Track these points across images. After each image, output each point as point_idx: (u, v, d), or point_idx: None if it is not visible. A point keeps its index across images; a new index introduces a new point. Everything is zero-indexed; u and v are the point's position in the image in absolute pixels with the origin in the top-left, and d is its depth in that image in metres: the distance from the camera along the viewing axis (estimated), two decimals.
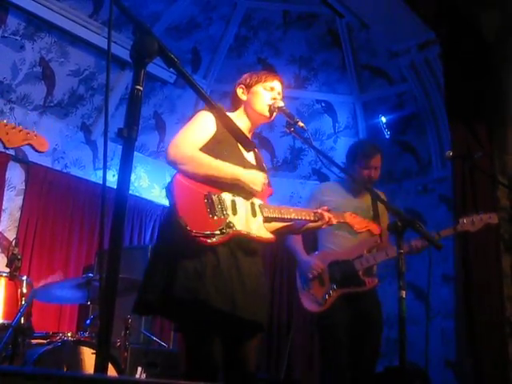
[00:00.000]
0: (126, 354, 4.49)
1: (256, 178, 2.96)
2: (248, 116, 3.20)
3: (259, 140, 7.60)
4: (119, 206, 1.42)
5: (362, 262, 4.18)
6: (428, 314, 6.43)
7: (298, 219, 3.14)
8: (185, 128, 3.00)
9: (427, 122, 7.04)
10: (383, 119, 7.18)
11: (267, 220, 3.05)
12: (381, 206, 4.34)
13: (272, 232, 3.10)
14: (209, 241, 2.74)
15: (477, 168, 5.38)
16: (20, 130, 3.12)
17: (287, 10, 7.02)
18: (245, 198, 2.97)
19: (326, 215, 3.12)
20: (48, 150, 6.30)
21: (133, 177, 6.99)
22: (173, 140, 2.95)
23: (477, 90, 6.08)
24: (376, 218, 4.39)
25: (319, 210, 3.15)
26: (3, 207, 5.85)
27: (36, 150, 3.19)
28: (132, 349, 4.63)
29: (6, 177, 5.93)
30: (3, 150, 5.91)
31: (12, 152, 6.03)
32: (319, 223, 3.14)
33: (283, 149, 7.67)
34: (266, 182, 3.02)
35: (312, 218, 3.14)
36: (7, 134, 3.01)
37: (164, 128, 7.32)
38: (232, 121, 2.05)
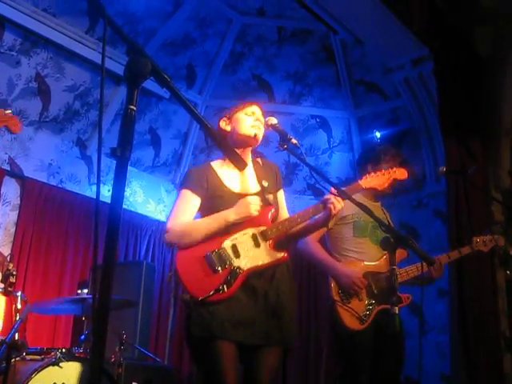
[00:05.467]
0: (120, 369, 4.48)
1: (245, 207, 3.02)
2: (235, 144, 3.27)
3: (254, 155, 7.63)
4: (113, 226, 1.43)
5: (397, 275, 3.98)
6: (421, 328, 6.43)
7: (306, 220, 3.16)
8: (173, 210, 3.18)
9: (421, 137, 7.07)
10: (378, 134, 7.20)
11: (277, 239, 3.10)
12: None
13: (290, 239, 3.25)
14: (216, 297, 2.92)
15: (470, 183, 5.42)
16: None
17: (282, 27, 7.06)
18: (245, 234, 3.07)
19: (332, 197, 3.08)
20: (43, 165, 6.34)
21: (128, 192, 6.99)
22: (166, 223, 3.14)
23: (470, 105, 6.13)
24: None
25: (325, 196, 3.13)
26: None
27: (10, 132, 2.89)
28: (127, 364, 4.61)
29: (1, 192, 5.92)
30: None
31: (7, 167, 6.04)
32: (328, 211, 3.10)
33: (278, 164, 7.66)
34: (258, 202, 3.05)
35: (320, 210, 3.14)
36: None
37: (159, 143, 7.34)
38: (224, 140, 2.08)
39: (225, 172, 3.27)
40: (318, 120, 7.68)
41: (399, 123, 7.28)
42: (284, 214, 3.36)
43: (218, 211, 3.09)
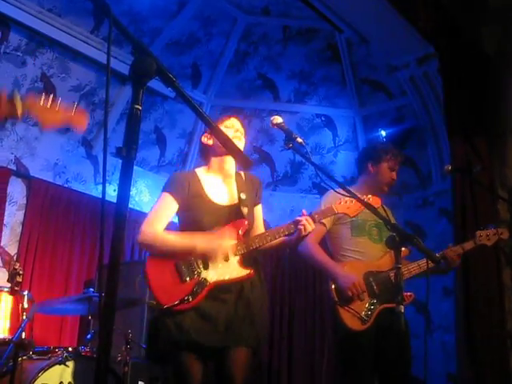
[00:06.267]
0: (126, 368, 4.49)
1: (214, 250, 3.10)
2: (218, 157, 3.42)
3: (260, 154, 7.63)
4: (119, 225, 1.44)
5: None
6: (427, 327, 6.42)
7: (276, 239, 3.23)
8: (150, 212, 3.37)
9: (427, 136, 7.06)
10: (383, 133, 7.18)
11: (246, 255, 3.19)
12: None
13: (266, 251, 3.34)
14: (182, 307, 3.02)
15: (476, 181, 5.40)
16: (57, 108, 2.68)
17: (287, 25, 7.06)
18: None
19: (303, 218, 3.16)
20: (49, 165, 6.36)
21: (134, 191, 7.00)
22: (142, 225, 3.31)
23: (476, 104, 6.10)
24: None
25: (297, 218, 3.20)
26: (4, 222, 5.86)
27: (74, 130, 2.83)
28: (133, 363, 4.62)
29: (8, 191, 5.94)
30: (5, 165, 5.95)
31: (14, 167, 6.06)
32: (299, 232, 3.18)
33: (283, 163, 7.69)
34: (227, 252, 3.13)
35: (291, 231, 3.21)
36: (44, 113, 2.64)
37: (165, 143, 7.35)
38: (229, 138, 2.10)
39: (208, 179, 3.40)
40: (323, 119, 7.68)
41: (404, 122, 7.27)
42: (259, 227, 3.46)
43: (194, 221, 3.23)
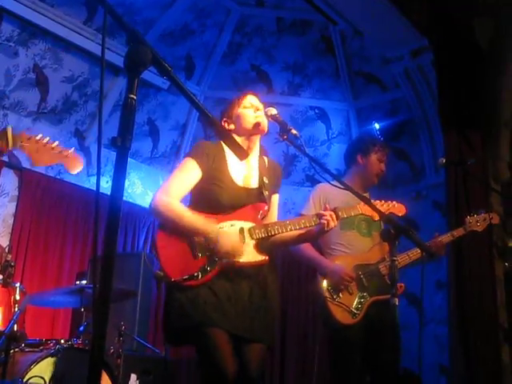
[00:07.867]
0: (119, 360, 4.48)
1: (224, 244, 2.92)
2: (241, 137, 3.23)
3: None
4: (113, 216, 1.42)
5: (387, 266, 3.86)
6: (421, 320, 6.43)
7: (296, 228, 3.12)
8: (169, 178, 3.12)
9: (420, 129, 7.05)
10: (376, 126, 7.17)
11: (263, 240, 3.05)
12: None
13: (279, 244, 3.25)
14: (191, 283, 2.86)
15: (470, 174, 5.40)
16: (52, 148, 2.76)
17: (281, 17, 7.04)
18: (232, 225, 3.00)
19: (328, 213, 3.07)
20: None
21: (126, 183, 6.97)
22: (157, 191, 3.06)
23: (470, 97, 6.10)
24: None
25: (321, 212, 3.12)
26: None
27: (67, 171, 2.86)
28: (125, 356, 4.61)
29: (0, 183, 5.91)
30: None
31: (5, 158, 6.02)
32: (321, 226, 3.09)
33: (277, 155, 7.66)
34: (235, 244, 2.96)
35: (313, 224, 3.11)
36: (37, 151, 2.67)
37: (158, 134, 7.32)
38: (225, 129, 2.08)
39: (233, 156, 3.12)
40: (316, 111, 7.67)
41: (398, 114, 7.26)
42: (273, 216, 3.34)
43: (210, 196, 3.06)
